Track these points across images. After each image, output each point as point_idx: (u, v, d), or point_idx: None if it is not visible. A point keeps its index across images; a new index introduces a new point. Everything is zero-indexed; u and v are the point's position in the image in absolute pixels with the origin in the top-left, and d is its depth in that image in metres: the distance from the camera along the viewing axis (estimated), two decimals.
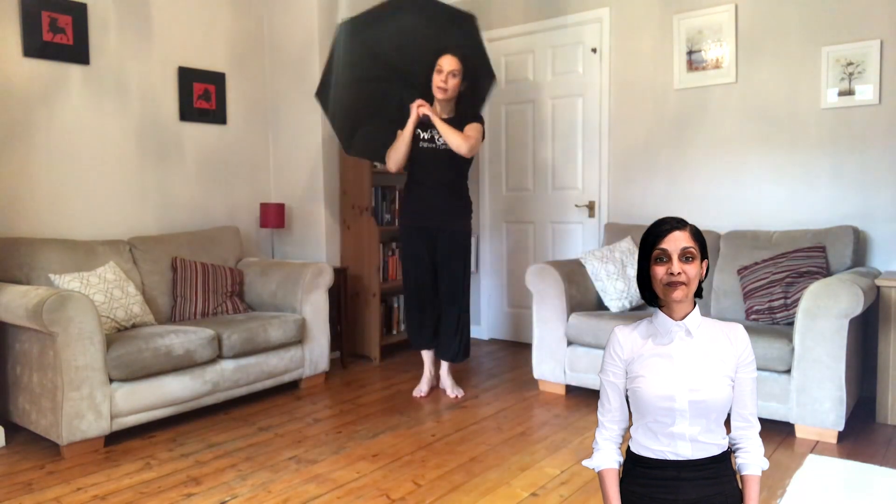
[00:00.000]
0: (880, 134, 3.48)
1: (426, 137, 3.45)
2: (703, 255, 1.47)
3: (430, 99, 3.45)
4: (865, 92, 3.49)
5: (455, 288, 3.60)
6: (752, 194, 3.87)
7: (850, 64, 3.52)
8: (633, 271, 3.71)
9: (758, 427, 1.50)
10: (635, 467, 1.49)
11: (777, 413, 2.98)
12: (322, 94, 3.73)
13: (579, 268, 3.80)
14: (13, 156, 3.33)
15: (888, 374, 3.12)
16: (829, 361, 2.83)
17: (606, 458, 1.52)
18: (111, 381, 2.88)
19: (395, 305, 4.74)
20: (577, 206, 4.57)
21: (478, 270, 5.10)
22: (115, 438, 2.95)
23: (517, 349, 4.74)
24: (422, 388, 3.66)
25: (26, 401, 2.89)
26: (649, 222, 1.52)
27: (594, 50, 4.42)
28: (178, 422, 3.19)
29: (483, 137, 3.55)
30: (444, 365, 3.70)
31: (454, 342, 3.64)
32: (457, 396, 3.60)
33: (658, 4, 4.13)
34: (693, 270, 1.42)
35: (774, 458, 2.72)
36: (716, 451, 1.45)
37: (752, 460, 1.48)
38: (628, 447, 1.54)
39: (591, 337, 3.45)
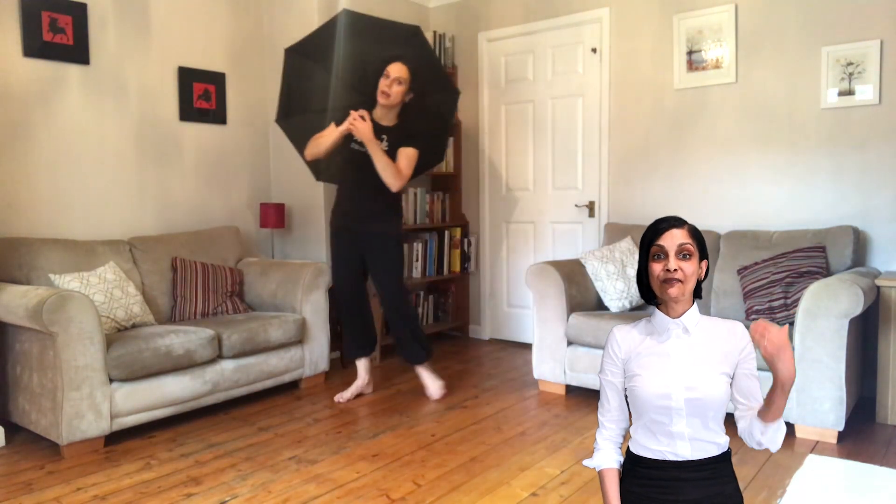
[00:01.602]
0: (880, 134, 3.48)
1: (358, 140, 3.33)
2: (703, 255, 1.47)
3: (374, 106, 3.40)
4: (865, 92, 3.49)
5: (386, 293, 3.50)
6: (752, 194, 3.87)
7: (850, 64, 3.52)
8: (633, 271, 3.70)
9: None
10: (635, 467, 1.49)
11: None
12: (286, 120, 3.72)
13: (579, 268, 3.80)
14: (13, 156, 3.33)
15: (888, 374, 3.12)
16: (829, 361, 2.83)
17: (607, 458, 1.52)
18: (111, 381, 2.88)
19: None
20: (577, 206, 4.57)
21: (477, 270, 5.11)
22: (115, 438, 2.95)
23: (517, 349, 4.74)
24: (343, 395, 3.56)
25: (26, 401, 2.89)
26: (649, 222, 1.54)
27: (594, 50, 4.42)
28: (178, 422, 3.19)
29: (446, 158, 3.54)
30: (417, 368, 3.63)
31: (412, 345, 3.55)
32: (442, 393, 3.58)
33: (658, 4, 4.13)
34: (690, 268, 1.43)
35: (774, 458, 2.73)
36: (715, 452, 1.45)
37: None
38: (628, 447, 1.54)
39: (591, 337, 3.45)
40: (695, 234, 1.47)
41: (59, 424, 2.72)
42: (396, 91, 3.30)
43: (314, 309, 3.79)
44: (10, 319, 2.85)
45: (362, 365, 3.63)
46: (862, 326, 3.24)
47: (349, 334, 3.61)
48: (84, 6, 3.52)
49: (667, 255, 1.43)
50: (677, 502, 1.43)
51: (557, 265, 3.68)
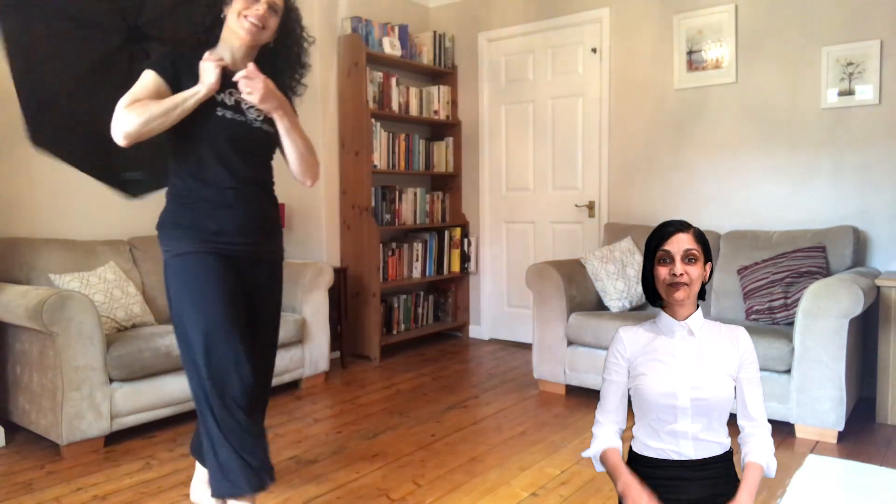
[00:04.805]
0: (880, 134, 3.48)
1: (230, 103, 2.01)
2: (707, 258, 1.49)
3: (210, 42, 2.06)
4: (865, 92, 3.49)
5: (271, 350, 2.21)
6: (752, 194, 3.87)
7: (850, 64, 3.52)
8: (633, 271, 3.71)
9: (766, 427, 1.51)
10: (637, 467, 1.50)
11: (777, 413, 2.98)
12: None
13: (579, 268, 3.80)
14: (13, 156, 3.33)
15: (888, 374, 3.12)
16: (829, 361, 2.83)
17: (606, 440, 1.51)
18: (111, 381, 2.88)
19: (396, 306, 4.74)
20: (577, 206, 4.57)
21: (477, 270, 5.11)
22: (115, 438, 2.95)
23: (517, 349, 4.74)
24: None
25: (26, 401, 2.89)
26: (649, 222, 1.55)
27: (594, 50, 4.42)
28: (178, 422, 3.19)
29: None
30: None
31: (250, 453, 1.93)
32: None
33: (658, 4, 4.13)
34: (695, 272, 1.44)
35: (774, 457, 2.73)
36: (718, 451, 1.45)
37: (757, 449, 1.47)
38: (630, 446, 1.54)
39: (592, 337, 3.45)
40: (700, 237, 1.48)
41: (59, 424, 2.72)
42: (273, 24, 2.04)
43: (314, 309, 3.79)
44: (10, 319, 2.85)
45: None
46: (862, 326, 3.24)
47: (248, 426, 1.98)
48: None
49: (673, 260, 1.45)
50: (679, 501, 1.43)
51: (557, 265, 3.68)
